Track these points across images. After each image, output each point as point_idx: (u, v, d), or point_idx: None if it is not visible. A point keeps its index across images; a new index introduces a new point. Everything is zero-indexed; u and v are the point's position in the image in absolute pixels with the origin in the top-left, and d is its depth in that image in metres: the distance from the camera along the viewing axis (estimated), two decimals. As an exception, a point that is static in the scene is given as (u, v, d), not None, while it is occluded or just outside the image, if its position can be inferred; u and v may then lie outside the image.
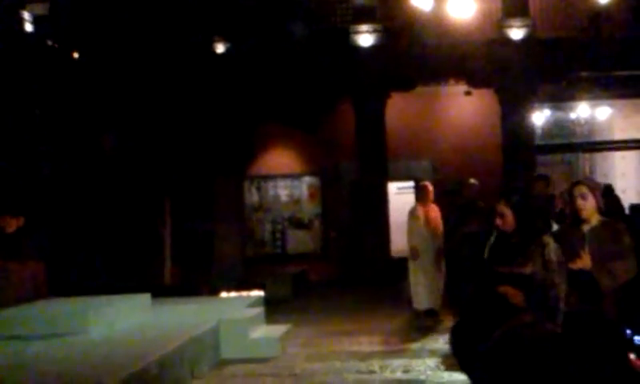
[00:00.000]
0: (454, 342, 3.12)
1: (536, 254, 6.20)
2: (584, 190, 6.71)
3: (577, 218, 6.64)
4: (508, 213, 6.62)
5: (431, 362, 10.57)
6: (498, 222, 6.58)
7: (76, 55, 17.14)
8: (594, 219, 6.68)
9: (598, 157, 22.56)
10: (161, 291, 15.56)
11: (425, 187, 13.65)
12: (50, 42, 16.47)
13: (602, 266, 6.27)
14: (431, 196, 13.56)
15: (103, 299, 13.29)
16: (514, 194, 6.93)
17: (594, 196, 6.66)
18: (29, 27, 17.02)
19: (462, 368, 3.27)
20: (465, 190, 13.27)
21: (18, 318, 11.83)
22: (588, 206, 6.67)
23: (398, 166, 20.20)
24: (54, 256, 15.45)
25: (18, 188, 15.29)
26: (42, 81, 16.25)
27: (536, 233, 6.41)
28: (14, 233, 13.73)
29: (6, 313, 12.15)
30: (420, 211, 13.46)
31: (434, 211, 13.57)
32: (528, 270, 6.05)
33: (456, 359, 3.17)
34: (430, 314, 13.46)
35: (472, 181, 13.21)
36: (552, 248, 6.13)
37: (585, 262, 6.30)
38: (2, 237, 13.62)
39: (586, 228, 6.63)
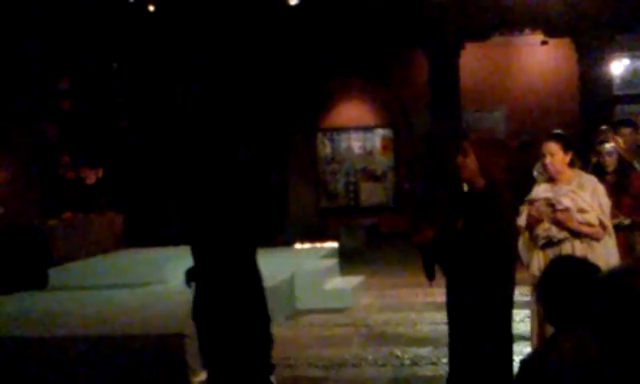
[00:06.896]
0: (546, 289, 3.05)
1: None
2: (465, 145, 5.56)
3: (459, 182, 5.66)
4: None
5: (506, 313, 10.51)
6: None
7: (151, 8, 17.27)
8: (478, 182, 5.57)
9: (679, 107, 22.03)
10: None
11: None
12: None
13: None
14: None
15: (181, 249, 13.52)
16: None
17: (478, 155, 5.48)
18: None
19: (553, 313, 3.12)
20: None
21: (99, 268, 12.15)
22: (467, 164, 5.52)
23: (471, 117, 20.00)
24: (132, 207, 15.74)
25: (96, 140, 15.55)
26: (118, 34, 16.43)
27: None
28: (93, 184, 14.03)
29: (87, 263, 12.48)
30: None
31: None
32: None
33: (545, 307, 3.04)
34: None
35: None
36: None
37: (424, 236, 5.73)
38: (81, 188, 13.93)
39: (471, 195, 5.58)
